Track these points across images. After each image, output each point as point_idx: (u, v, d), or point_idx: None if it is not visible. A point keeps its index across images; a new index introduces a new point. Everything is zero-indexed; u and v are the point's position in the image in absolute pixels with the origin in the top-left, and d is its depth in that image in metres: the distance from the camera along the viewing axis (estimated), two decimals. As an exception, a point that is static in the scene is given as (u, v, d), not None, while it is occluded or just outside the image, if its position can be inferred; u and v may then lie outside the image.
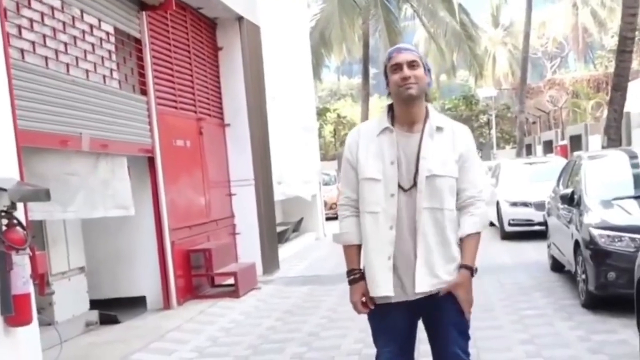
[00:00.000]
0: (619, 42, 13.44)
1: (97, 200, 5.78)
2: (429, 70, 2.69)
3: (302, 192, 13.06)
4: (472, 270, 2.63)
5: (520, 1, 33.24)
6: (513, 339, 5.22)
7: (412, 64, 2.60)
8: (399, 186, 2.58)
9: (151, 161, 6.92)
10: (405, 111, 2.63)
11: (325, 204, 17.31)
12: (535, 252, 9.83)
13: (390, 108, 2.70)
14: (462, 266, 2.62)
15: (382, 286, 2.60)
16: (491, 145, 39.27)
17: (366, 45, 23.45)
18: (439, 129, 2.64)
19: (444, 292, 2.59)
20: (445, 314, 2.61)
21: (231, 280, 7.92)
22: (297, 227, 13.87)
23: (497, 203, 12.30)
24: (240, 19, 9.10)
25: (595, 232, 5.95)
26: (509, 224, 11.93)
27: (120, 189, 6.04)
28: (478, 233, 2.65)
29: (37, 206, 4.83)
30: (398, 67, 2.61)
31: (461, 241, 2.63)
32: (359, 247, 2.71)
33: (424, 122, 2.64)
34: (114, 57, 6.23)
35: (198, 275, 7.81)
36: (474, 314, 2.70)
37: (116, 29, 6.30)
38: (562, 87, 37.40)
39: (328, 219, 16.25)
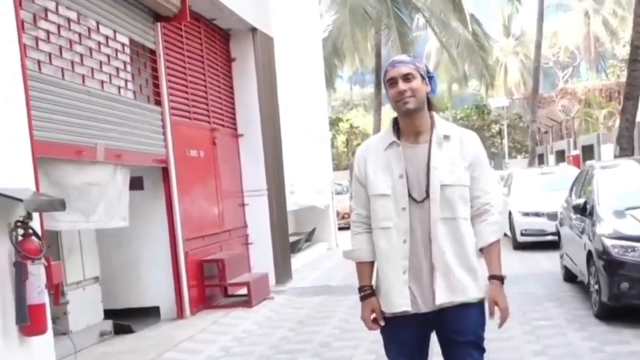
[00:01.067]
0: (631, 51, 13.38)
1: (114, 210, 5.81)
2: (430, 78, 2.65)
3: (315, 201, 13.06)
4: (502, 279, 2.61)
5: (531, 11, 33.14)
6: (526, 350, 5.17)
7: (406, 77, 2.57)
8: (412, 199, 2.55)
9: (165, 171, 6.95)
10: (408, 123, 2.61)
11: (338, 213, 17.28)
12: (548, 262, 9.77)
13: (396, 121, 2.68)
14: (491, 277, 2.59)
15: (398, 301, 2.58)
16: (503, 154, 39.12)
17: (378, 55, 23.49)
18: (446, 137, 2.61)
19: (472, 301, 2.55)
20: (460, 326, 2.57)
21: (244, 291, 7.93)
22: (309, 237, 13.86)
23: (510, 213, 12.23)
24: (253, 30, 9.15)
25: (608, 242, 5.89)
26: (522, 234, 11.87)
27: (124, 200, 6.06)
28: (498, 241, 2.62)
29: (62, 216, 4.86)
30: (393, 81, 2.58)
31: (482, 251, 2.60)
32: (371, 263, 2.68)
33: (430, 131, 2.61)
34: (129, 68, 6.28)
35: (211, 286, 7.82)
36: (486, 325, 2.67)
37: (131, 40, 6.35)
38: (574, 97, 37.25)
39: (340, 229, 16.20)
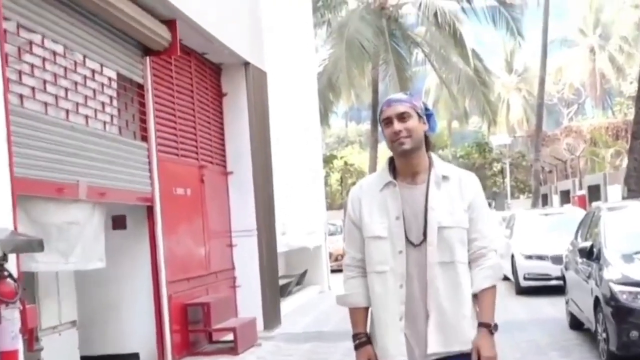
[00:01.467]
0: (639, 88, 13.56)
1: (92, 251, 5.81)
2: (429, 116, 2.70)
3: (307, 242, 13.05)
4: (490, 328, 2.60)
5: (535, 46, 33.68)
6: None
7: (402, 116, 2.61)
8: (408, 241, 2.58)
9: (150, 210, 6.96)
10: (405, 164, 2.65)
11: (331, 255, 17.24)
12: (553, 309, 9.76)
13: (392, 160, 2.72)
14: (480, 324, 2.59)
15: (394, 349, 2.59)
16: (505, 194, 39.29)
17: (375, 91, 23.76)
18: (445, 178, 2.64)
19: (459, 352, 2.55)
20: None
21: (230, 336, 7.86)
22: (300, 280, 13.81)
23: (512, 256, 12.25)
24: (246, 64, 9.28)
25: (616, 288, 5.92)
26: (525, 278, 11.89)
27: (100, 240, 6.05)
28: (493, 287, 2.63)
29: (40, 257, 4.85)
30: (389, 120, 2.63)
31: (476, 297, 2.61)
32: (366, 309, 2.69)
33: (428, 171, 2.65)
34: (115, 102, 6.35)
35: (195, 331, 7.77)
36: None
37: (119, 74, 6.43)
38: (579, 135, 37.57)
39: (333, 271, 16.14)
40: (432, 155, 2.73)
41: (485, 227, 2.67)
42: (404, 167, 2.65)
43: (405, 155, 2.62)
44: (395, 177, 2.67)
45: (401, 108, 2.63)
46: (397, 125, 2.60)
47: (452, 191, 2.64)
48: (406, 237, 2.59)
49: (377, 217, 2.62)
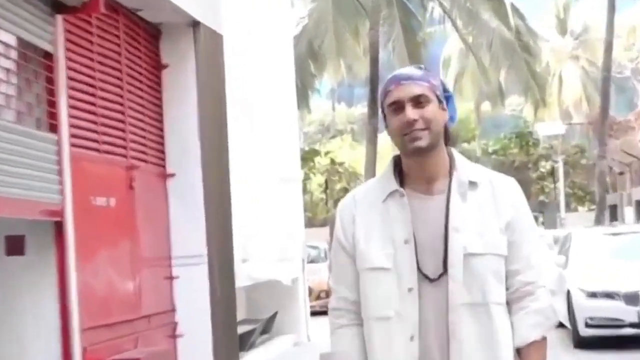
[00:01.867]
0: None
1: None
2: (447, 99, 2.75)
3: (278, 274, 13.11)
4: None
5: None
6: None
7: (417, 101, 2.66)
8: (422, 275, 2.64)
9: (58, 228, 6.99)
10: (417, 166, 2.71)
11: (311, 291, 17.32)
12: (627, 370, 10.00)
13: (398, 161, 2.79)
14: None
15: None
16: (557, 206, 39.52)
17: (374, 61, 23.85)
18: (472, 184, 2.70)
19: None
20: None
21: (170, 407, 7.94)
22: (268, 327, 13.88)
23: (568, 293, 12.46)
24: (195, 25, 9.33)
25: None
26: (587, 325, 12.09)
27: None
28: (544, 339, 2.70)
29: None
30: (398, 105, 2.67)
31: (519, 353, 2.68)
32: None
33: (449, 176, 2.71)
34: (12, 78, 6.38)
35: (121, 398, 7.80)
36: None
37: (18, 40, 6.46)
38: (662, 121, 37.94)
39: (315, 314, 16.24)
40: (454, 153, 2.78)
41: (532, 254, 2.73)
42: (416, 170, 2.71)
43: (419, 154, 2.67)
44: (402, 185, 2.73)
45: (417, 89, 2.67)
46: (411, 113, 2.64)
47: (484, 204, 2.70)
48: (419, 269, 2.65)
49: (378, 241, 2.68)
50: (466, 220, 2.66)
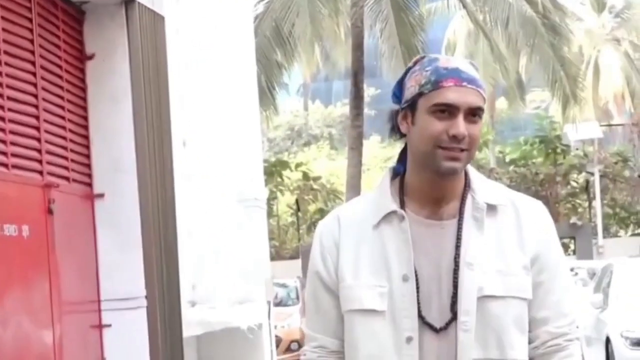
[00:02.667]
0: None
1: None
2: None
3: (236, 320, 13.14)
4: None
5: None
6: None
7: (473, 113, 2.67)
8: (424, 323, 2.66)
9: (-45, 263, 7.03)
10: (431, 186, 2.72)
11: (279, 341, 17.32)
12: None
13: (398, 174, 2.81)
14: None
15: None
16: (593, 229, 39.61)
17: (358, 47, 23.89)
18: (491, 208, 2.72)
19: None
20: None
21: None
22: (225, 388, 13.92)
23: (607, 341, 12.67)
24: (128, 3, 9.34)
25: None
26: (631, 379, 12.18)
27: None
28: None
29: None
30: (451, 110, 2.65)
31: None
32: None
33: (461, 197, 2.73)
34: None
35: None
36: None
37: None
38: None
39: (284, 371, 16.28)
40: (469, 169, 2.81)
41: (564, 298, 2.76)
42: (425, 189, 2.73)
43: (446, 176, 2.69)
44: (402, 205, 2.74)
45: (479, 100, 2.69)
46: (463, 128, 2.64)
47: (505, 233, 2.73)
48: (420, 315, 2.67)
49: (369, 276, 2.70)
50: (482, 254, 2.69)
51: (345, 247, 2.74)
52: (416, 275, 2.67)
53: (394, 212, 2.72)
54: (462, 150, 2.65)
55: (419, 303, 2.65)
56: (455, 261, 2.67)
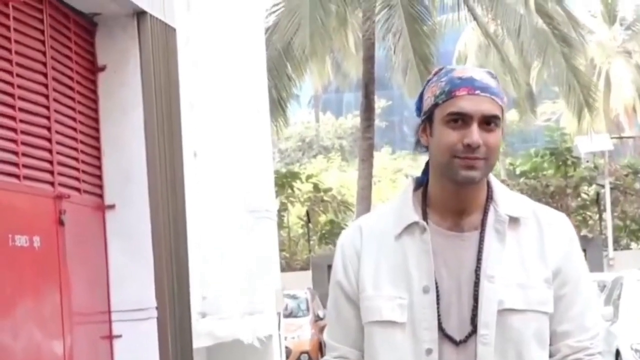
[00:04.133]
0: None
1: None
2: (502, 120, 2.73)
3: (246, 331, 13.10)
4: None
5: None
6: None
7: (488, 121, 2.65)
8: (444, 335, 2.67)
9: (-35, 274, 7.03)
10: (452, 196, 2.71)
11: (289, 353, 17.32)
12: None
13: (421, 184, 2.81)
14: None
15: None
16: (604, 242, 39.46)
17: (369, 59, 23.85)
18: (513, 220, 2.71)
19: None
20: None
21: None
22: (234, 400, 13.87)
23: (617, 353, 12.71)
24: (140, 15, 9.35)
25: None
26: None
27: None
28: None
29: None
30: (462, 119, 2.64)
31: None
32: None
33: (484, 210, 2.73)
34: None
35: None
36: None
37: None
38: None
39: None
40: (493, 180, 2.80)
41: (587, 312, 2.75)
42: (447, 200, 2.73)
43: (466, 186, 2.69)
44: (425, 216, 2.73)
45: (493, 108, 2.67)
46: (477, 136, 2.63)
47: (527, 246, 2.71)
48: (440, 327, 2.67)
49: (389, 288, 2.70)
50: (503, 267, 2.68)
51: (366, 257, 2.74)
52: (437, 287, 2.68)
53: (415, 223, 2.72)
54: (478, 159, 2.64)
55: (439, 315, 2.66)
56: (476, 273, 2.67)
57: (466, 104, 2.65)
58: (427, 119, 2.72)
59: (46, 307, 8.29)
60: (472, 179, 2.65)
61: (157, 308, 9.37)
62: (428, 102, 2.73)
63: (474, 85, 2.67)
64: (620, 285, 14.46)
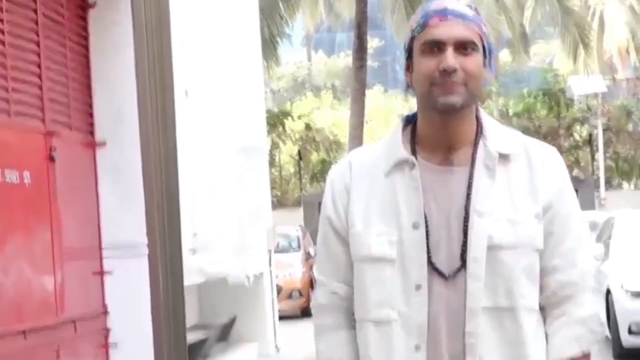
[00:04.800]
0: None
1: None
2: (490, 53, 2.74)
3: (237, 269, 13.12)
4: None
5: None
6: None
7: (464, 46, 2.65)
8: (434, 270, 2.66)
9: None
10: (439, 129, 2.70)
11: (280, 290, 17.45)
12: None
13: (411, 121, 2.79)
14: None
15: None
16: (596, 182, 39.62)
17: (362, -2, 23.82)
18: (503, 157, 2.70)
19: None
20: None
21: None
22: (224, 335, 14.02)
23: (608, 292, 12.69)
24: (130, -52, 9.28)
25: None
26: (630, 332, 12.30)
27: None
28: (586, 356, 2.73)
29: None
30: (437, 47, 2.64)
31: None
32: None
33: (473, 145, 2.72)
34: None
35: None
36: None
37: None
38: None
39: (284, 318, 16.44)
40: (483, 115, 2.79)
41: (577, 248, 2.77)
42: (435, 134, 2.72)
43: (448, 113, 2.67)
44: (414, 152, 2.73)
45: (466, 32, 2.67)
46: (452, 59, 2.63)
47: (517, 181, 2.71)
48: (430, 262, 2.67)
49: (379, 224, 2.70)
50: (493, 203, 2.67)
51: (356, 193, 2.74)
52: (426, 223, 2.65)
53: (404, 160, 2.71)
54: (456, 83, 2.63)
55: (428, 250, 2.64)
56: (465, 209, 2.66)
57: (439, 30, 2.66)
58: (409, 55, 2.73)
59: (37, 244, 8.28)
60: (452, 105, 2.64)
61: (147, 245, 9.38)
62: (407, 38, 2.76)
63: (445, 11, 2.68)
64: (611, 224, 14.48)
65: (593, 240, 14.69)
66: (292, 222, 25.47)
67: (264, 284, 14.52)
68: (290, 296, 19.22)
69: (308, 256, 20.56)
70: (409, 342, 2.65)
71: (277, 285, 16.44)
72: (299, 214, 31.69)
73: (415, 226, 2.65)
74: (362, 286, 2.70)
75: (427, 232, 2.66)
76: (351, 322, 2.77)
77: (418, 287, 2.65)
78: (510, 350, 2.65)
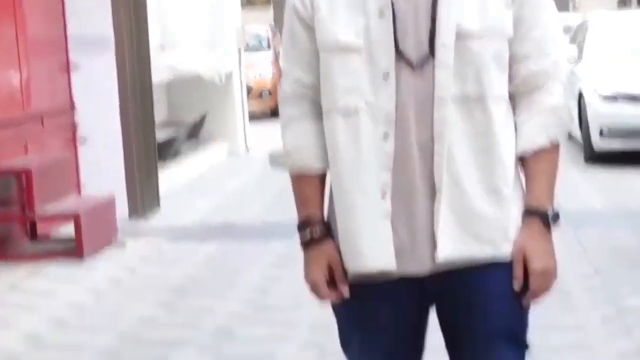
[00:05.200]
0: None
1: None
2: None
3: (207, 66, 13.04)
4: (546, 218, 2.67)
5: None
6: (606, 352, 5.44)
7: None
8: (401, 58, 2.61)
9: None
10: None
11: (250, 90, 17.48)
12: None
13: None
14: (528, 211, 2.67)
15: (372, 250, 2.64)
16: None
17: None
18: None
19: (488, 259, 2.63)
20: (483, 302, 2.67)
21: (69, 229, 8.02)
22: (195, 132, 14.07)
23: (580, 96, 12.51)
24: None
25: None
26: (602, 135, 12.15)
27: None
28: (556, 146, 2.71)
29: None
30: None
31: (523, 161, 2.70)
32: (322, 177, 2.77)
33: None
34: None
35: (5, 219, 7.93)
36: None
37: None
38: None
39: (254, 118, 16.47)
40: None
41: (548, 36, 2.70)
42: None
43: None
44: None
45: None
46: None
47: None
48: (397, 50, 2.61)
49: (345, 11, 2.63)
50: None
51: None
52: (394, 11, 2.59)
53: None
54: None
55: (396, 39, 2.59)
56: None
57: None
58: None
59: (0, 38, 8.15)
60: None
61: (114, 38, 9.29)
62: None
63: None
64: (585, 27, 14.33)
65: (567, 42, 14.55)
66: (262, 21, 25.16)
67: (233, 83, 14.49)
68: (260, 96, 19.25)
69: (278, 56, 20.54)
70: (377, 130, 2.62)
71: (247, 86, 16.46)
72: (268, 13, 31.26)
73: (381, 13, 2.59)
74: (329, 75, 2.66)
75: (394, 20, 2.60)
76: (318, 114, 2.72)
77: (386, 75, 2.60)
78: (479, 141, 2.62)
